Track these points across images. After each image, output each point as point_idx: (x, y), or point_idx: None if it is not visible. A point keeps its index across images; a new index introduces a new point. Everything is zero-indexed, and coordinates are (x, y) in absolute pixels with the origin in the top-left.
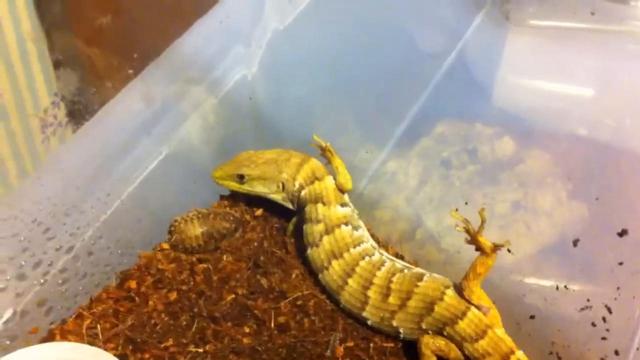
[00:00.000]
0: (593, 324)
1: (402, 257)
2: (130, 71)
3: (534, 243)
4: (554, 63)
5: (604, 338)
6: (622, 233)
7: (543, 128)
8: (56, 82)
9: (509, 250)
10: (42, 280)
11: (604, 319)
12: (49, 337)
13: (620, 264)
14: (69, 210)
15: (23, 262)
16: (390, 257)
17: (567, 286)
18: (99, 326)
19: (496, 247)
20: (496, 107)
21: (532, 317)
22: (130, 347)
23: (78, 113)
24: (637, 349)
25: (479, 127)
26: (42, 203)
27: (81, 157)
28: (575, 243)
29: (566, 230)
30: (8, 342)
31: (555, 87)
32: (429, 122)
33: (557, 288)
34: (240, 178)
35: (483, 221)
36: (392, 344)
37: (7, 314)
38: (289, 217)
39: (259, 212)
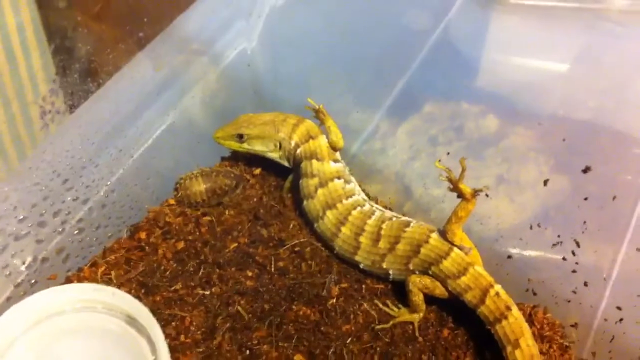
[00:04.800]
0: (564, 259)
1: (390, 209)
2: (141, 39)
3: (517, 213)
4: (537, 41)
5: (574, 271)
6: (586, 170)
7: (526, 107)
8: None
9: (487, 195)
10: (60, 229)
11: (573, 253)
12: (67, 283)
13: (585, 199)
14: (86, 164)
15: (44, 210)
16: (380, 207)
17: (540, 224)
18: (112, 273)
19: (475, 192)
20: (481, 86)
21: (509, 257)
22: (143, 291)
23: (95, 73)
24: (604, 278)
25: (465, 106)
26: (61, 155)
27: (97, 116)
28: (545, 182)
29: (546, 210)
30: (29, 287)
31: (538, 65)
32: (417, 102)
33: (531, 227)
34: (240, 138)
35: (464, 169)
36: (382, 286)
37: (28, 259)
38: (285, 176)
39: (257, 171)
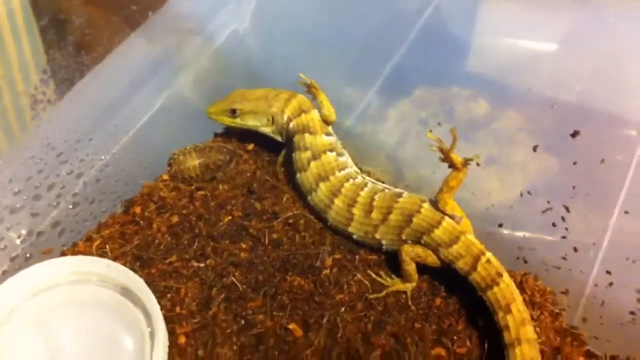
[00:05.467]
0: (553, 225)
1: (382, 182)
2: (135, 19)
3: (508, 187)
4: (526, 24)
5: (563, 237)
6: (575, 134)
7: (515, 90)
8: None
9: (478, 164)
10: (55, 203)
11: (563, 219)
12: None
13: (574, 164)
14: (80, 138)
15: (38, 184)
16: (372, 180)
17: (530, 192)
18: (107, 246)
19: (466, 162)
20: (471, 69)
21: (500, 225)
22: (138, 264)
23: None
24: (593, 243)
25: (455, 90)
26: (56, 129)
27: (93, 93)
28: (535, 148)
29: (536, 180)
30: (24, 261)
31: (527, 47)
32: (407, 84)
33: (522, 195)
34: (233, 113)
35: (455, 139)
36: (375, 257)
37: (24, 232)
38: (278, 152)
39: (250, 146)
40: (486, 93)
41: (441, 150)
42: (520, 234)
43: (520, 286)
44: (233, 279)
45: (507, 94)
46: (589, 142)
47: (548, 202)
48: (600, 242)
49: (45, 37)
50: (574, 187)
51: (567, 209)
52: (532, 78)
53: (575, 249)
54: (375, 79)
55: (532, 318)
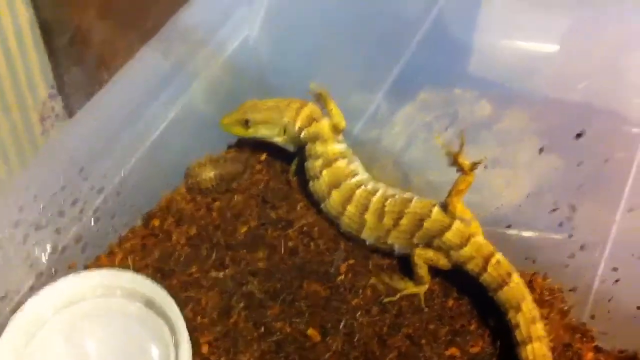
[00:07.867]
0: (560, 225)
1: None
2: (145, 32)
3: (514, 188)
4: (528, 23)
5: (570, 236)
6: (579, 135)
7: (518, 91)
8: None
9: (485, 167)
10: (77, 218)
11: (568, 218)
12: None
13: (579, 165)
14: (101, 152)
15: (62, 200)
16: (383, 185)
17: (538, 192)
18: (129, 260)
19: (474, 165)
20: (474, 71)
21: (508, 226)
22: (159, 275)
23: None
24: (599, 241)
25: (458, 92)
26: (78, 144)
27: (111, 106)
28: (540, 150)
29: (543, 180)
30: (50, 277)
31: (529, 48)
32: (412, 89)
33: (528, 196)
34: (246, 123)
35: (462, 144)
36: (388, 261)
37: (49, 248)
38: (290, 161)
39: (263, 157)
40: (489, 94)
41: (449, 154)
42: (528, 234)
43: (530, 285)
44: (252, 287)
45: (510, 95)
46: (593, 142)
47: (555, 202)
48: (606, 239)
49: (61, 54)
50: (579, 187)
51: (573, 208)
52: (535, 78)
53: (582, 247)
54: (382, 83)
55: (542, 316)
